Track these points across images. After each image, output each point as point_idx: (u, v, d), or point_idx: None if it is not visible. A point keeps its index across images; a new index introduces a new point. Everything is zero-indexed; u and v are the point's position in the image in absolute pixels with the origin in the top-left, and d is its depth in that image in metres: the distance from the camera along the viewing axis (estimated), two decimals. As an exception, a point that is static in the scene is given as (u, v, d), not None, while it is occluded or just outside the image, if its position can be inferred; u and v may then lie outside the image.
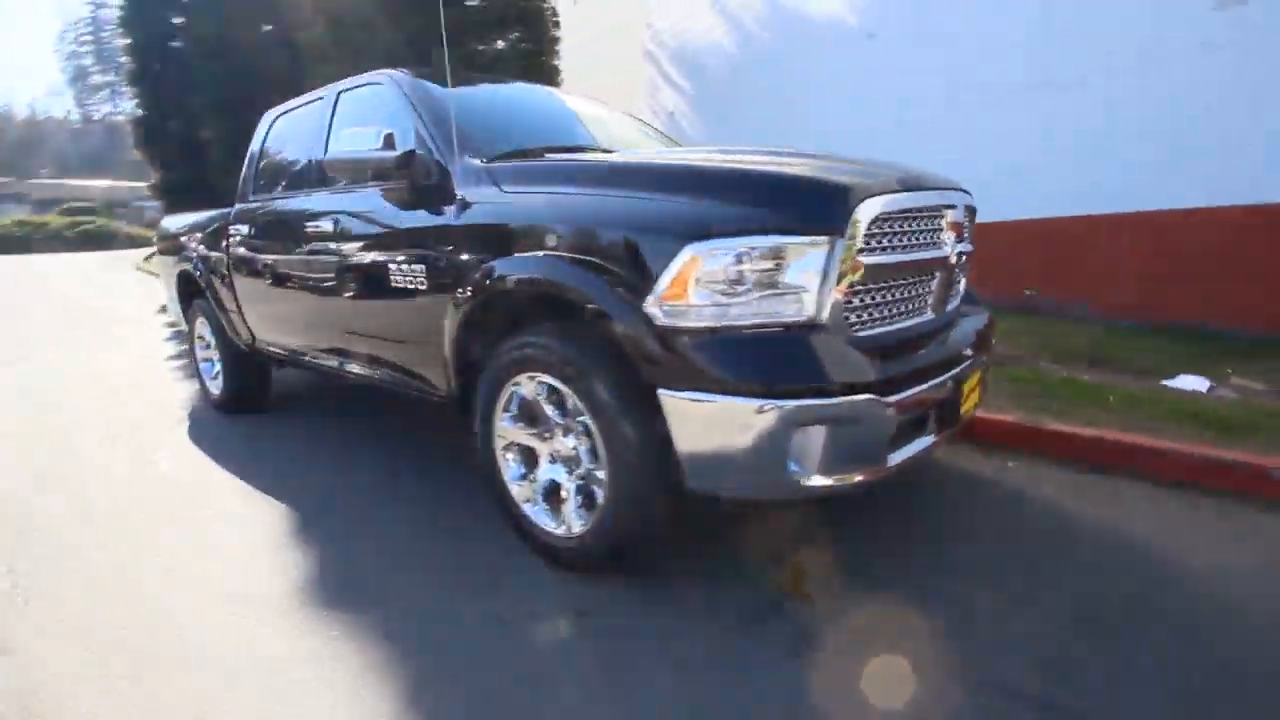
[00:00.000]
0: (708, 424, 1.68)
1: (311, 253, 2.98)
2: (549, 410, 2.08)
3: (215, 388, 4.39)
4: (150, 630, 1.90)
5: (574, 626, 1.84)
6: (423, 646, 1.78)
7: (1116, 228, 4.57)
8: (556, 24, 9.71)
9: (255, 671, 1.71)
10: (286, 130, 3.49)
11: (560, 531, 2.09)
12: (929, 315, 2.10)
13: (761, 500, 1.84)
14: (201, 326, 4.42)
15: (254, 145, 3.70)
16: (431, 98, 2.61)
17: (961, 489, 2.62)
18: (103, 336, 7.18)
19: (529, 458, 2.23)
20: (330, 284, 2.88)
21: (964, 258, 2.17)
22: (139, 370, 5.78)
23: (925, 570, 2.04)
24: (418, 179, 2.38)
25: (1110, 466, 2.68)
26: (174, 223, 4.84)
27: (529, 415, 2.18)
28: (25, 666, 1.77)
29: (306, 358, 3.35)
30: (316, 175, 3.08)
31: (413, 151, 2.36)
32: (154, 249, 5.06)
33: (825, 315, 1.71)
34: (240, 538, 2.47)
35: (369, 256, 2.64)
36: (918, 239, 1.95)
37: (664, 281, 1.69)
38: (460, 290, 2.19)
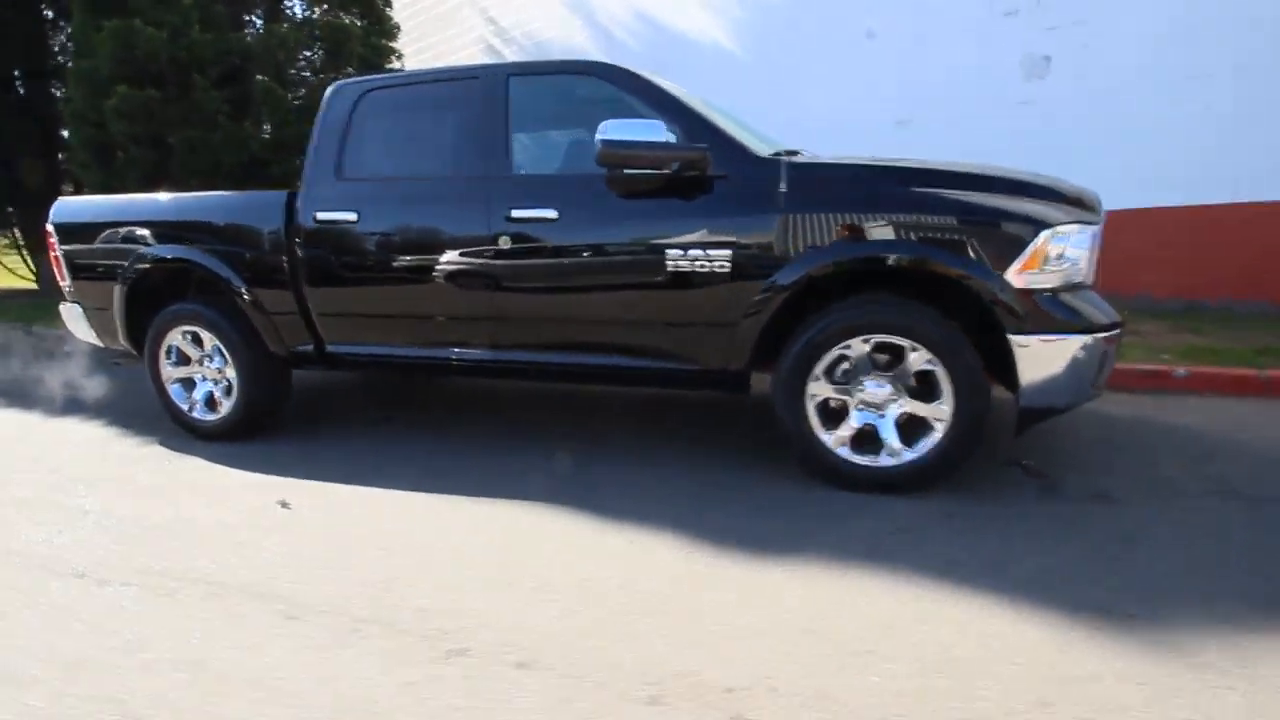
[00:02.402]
0: (1049, 356, 2.40)
1: (501, 240, 2.86)
2: (868, 365, 2.57)
3: (202, 412, 3.61)
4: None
5: (955, 523, 2.39)
6: (887, 562, 2.16)
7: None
8: (388, 3, 9.04)
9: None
10: (398, 107, 3.16)
11: (887, 463, 2.59)
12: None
13: (1067, 408, 2.57)
14: (177, 339, 3.57)
15: (331, 122, 3.19)
16: (669, 93, 2.79)
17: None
18: None
19: (829, 411, 2.66)
20: (550, 273, 2.84)
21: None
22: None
23: (1141, 459, 2.93)
24: (705, 171, 2.61)
25: (1156, 388, 3.95)
26: (95, 209, 3.75)
27: (835, 373, 2.62)
28: None
29: (436, 355, 3.13)
30: (483, 161, 2.93)
31: (707, 147, 2.59)
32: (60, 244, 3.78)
33: (1091, 278, 2.55)
34: (590, 559, 2.43)
35: (627, 243, 2.74)
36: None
37: (1024, 257, 2.35)
38: (783, 273, 2.54)
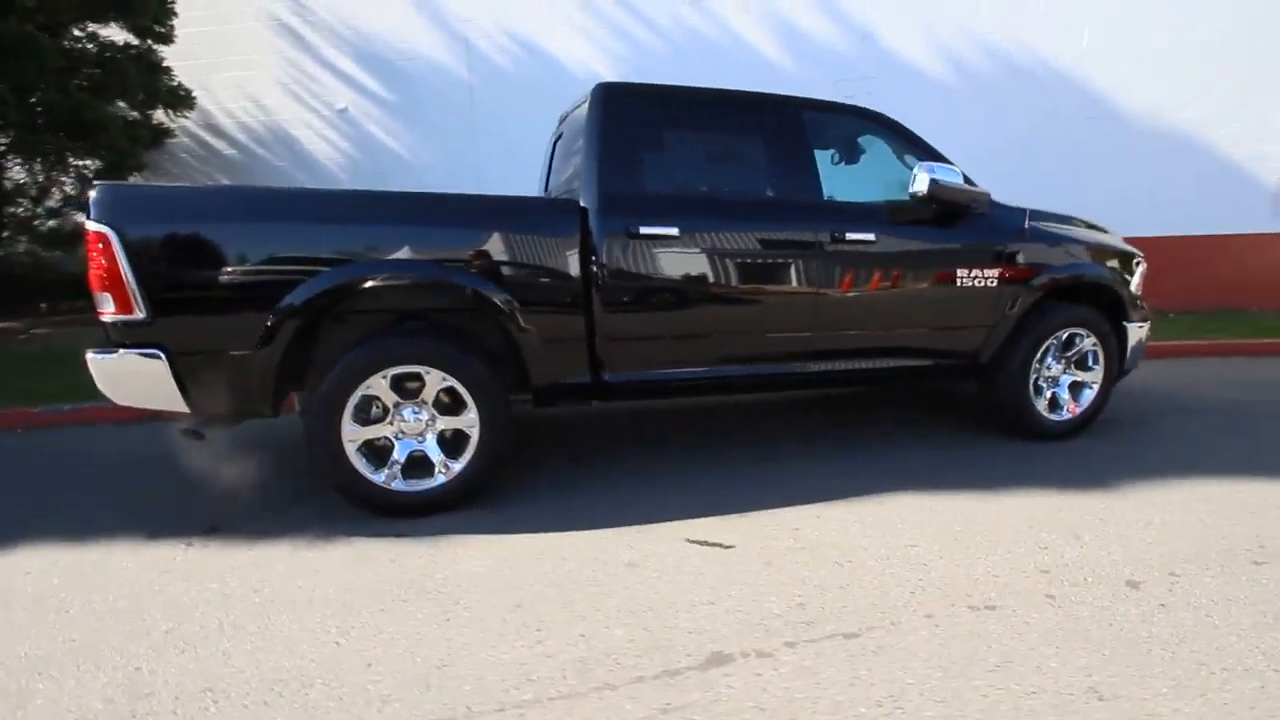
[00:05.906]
0: (1137, 335, 3.86)
1: (829, 258, 3.12)
2: (1058, 349, 3.68)
3: (405, 482, 2.78)
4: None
5: (1121, 447, 3.64)
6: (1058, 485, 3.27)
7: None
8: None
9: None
10: (692, 121, 3.07)
11: (1066, 418, 3.73)
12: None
13: (1130, 371, 4.03)
14: (378, 385, 2.69)
15: (621, 126, 2.86)
16: (932, 147, 3.45)
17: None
18: None
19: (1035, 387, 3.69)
20: (872, 289, 3.20)
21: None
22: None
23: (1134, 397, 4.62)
24: (978, 209, 3.37)
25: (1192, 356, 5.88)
26: (222, 201, 2.51)
27: (1043, 359, 3.66)
28: None
29: (749, 372, 3.15)
30: (799, 185, 3.13)
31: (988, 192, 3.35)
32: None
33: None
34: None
35: (926, 263, 3.31)
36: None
37: (1136, 274, 3.77)
38: (1030, 286, 3.47)
